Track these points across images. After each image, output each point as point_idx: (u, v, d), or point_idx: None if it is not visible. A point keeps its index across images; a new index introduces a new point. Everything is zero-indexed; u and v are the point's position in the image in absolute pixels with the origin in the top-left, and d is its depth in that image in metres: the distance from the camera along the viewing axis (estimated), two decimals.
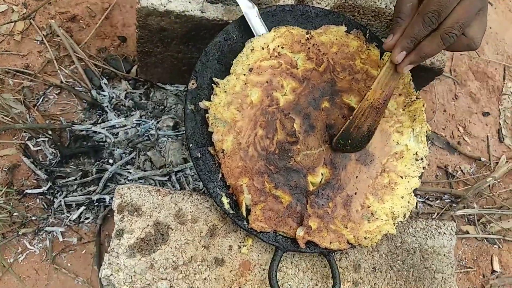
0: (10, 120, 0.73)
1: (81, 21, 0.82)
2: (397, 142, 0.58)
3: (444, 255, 0.61)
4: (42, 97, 0.76)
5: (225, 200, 0.51)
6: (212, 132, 0.51)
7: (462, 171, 0.93)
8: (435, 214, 0.87)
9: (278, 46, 0.53)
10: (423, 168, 0.59)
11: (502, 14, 1.08)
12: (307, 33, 0.55)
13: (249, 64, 0.51)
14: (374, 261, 0.58)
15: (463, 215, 0.89)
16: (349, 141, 0.54)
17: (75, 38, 0.81)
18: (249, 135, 0.51)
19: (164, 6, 0.56)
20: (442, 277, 0.61)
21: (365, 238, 0.54)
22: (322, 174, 0.54)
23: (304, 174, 0.53)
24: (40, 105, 0.76)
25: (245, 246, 0.54)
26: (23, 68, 0.77)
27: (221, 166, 0.51)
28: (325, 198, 0.53)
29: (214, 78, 0.52)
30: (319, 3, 0.64)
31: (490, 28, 1.06)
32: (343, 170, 0.55)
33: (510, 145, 0.98)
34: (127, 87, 0.78)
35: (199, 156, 0.51)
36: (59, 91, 0.77)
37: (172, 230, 0.52)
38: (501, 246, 0.89)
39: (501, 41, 1.06)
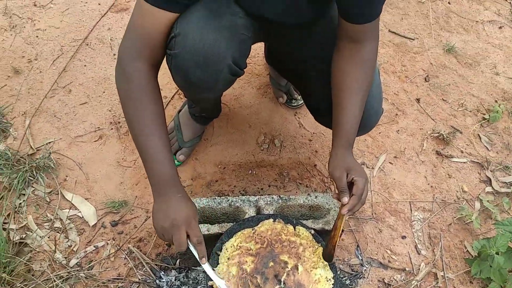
0: None
1: (144, 240, 1.44)
2: (315, 274, 1.09)
3: None
4: None
5: None
6: None
7: (395, 280, 1.39)
8: None
9: (239, 243, 1.10)
10: (332, 284, 1.09)
11: (401, 167, 1.66)
12: (252, 230, 1.13)
13: (227, 256, 1.08)
14: None
15: None
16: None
17: (143, 250, 1.41)
18: None
19: None
20: None
21: None
22: None
23: None
24: None
25: None
26: (117, 276, 1.36)
27: None
28: None
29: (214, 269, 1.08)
30: (267, 209, 1.24)
31: (394, 179, 1.63)
32: None
33: (425, 255, 1.45)
34: (176, 273, 1.35)
35: None
36: (138, 285, 1.34)
37: None
38: None
39: (403, 186, 1.61)
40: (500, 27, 2.20)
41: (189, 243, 0.99)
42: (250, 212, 1.24)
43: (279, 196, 1.27)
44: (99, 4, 1.95)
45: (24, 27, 1.83)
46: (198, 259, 1.02)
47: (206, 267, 1.03)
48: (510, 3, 2.30)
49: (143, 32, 1.00)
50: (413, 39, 2.07)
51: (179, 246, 0.99)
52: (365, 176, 1.05)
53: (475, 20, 2.21)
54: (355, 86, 1.09)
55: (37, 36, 1.81)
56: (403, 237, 1.48)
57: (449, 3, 2.26)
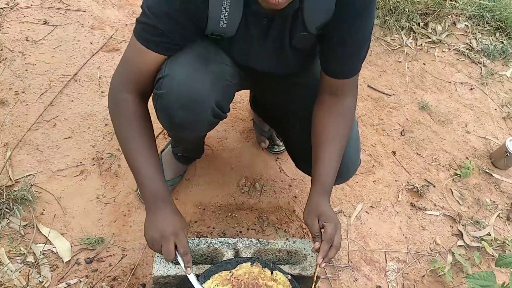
0: None
1: (118, 279, 1.41)
2: None
3: None
4: None
5: None
6: None
7: None
8: None
9: (216, 285, 1.10)
10: None
11: (376, 217, 1.70)
12: (229, 273, 1.13)
13: None
14: None
15: None
16: None
17: None
18: None
19: (166, 273, 1.16)
20: None
21: None
22: None
23: None
24: None
25: None
26: None
27: None
28: None
29: None
30: (245, 253, 1.25)
31: (370, 228, 1.67)
32: None
33: None
34: None
35: None
36: None
37: None
38: None
39: (379, 235, 1.65)
40: (471, 89, 2.34)
41: (176, 253, 1.05)
42: (228, 254, 1.24)
43: (258, 240, 1.28)
44: (91, 43, 2.00)
45: (15, 60, 1.86)
46: (183, 268, 1.06)
47: (191, 277, 1.06)
48: (481, 67, 2.47)
49: (134, 67, 1.07)
50: (390, 95, 2.18)
51: (167, 255, 1.03)
52: (335, 222, 1.07)
53: (448, 81, 2.35)
54: (333, 136, 1.14)
55: (26, 70, 1.84)
56: (378, 287, 1.49)
57: (424, 64, 2.40)
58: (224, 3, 0.99)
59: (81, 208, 1.49)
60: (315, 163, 1.15)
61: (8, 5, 2.04)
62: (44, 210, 1.46)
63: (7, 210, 1.41)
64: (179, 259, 1.06)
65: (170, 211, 1.08)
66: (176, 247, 1.05)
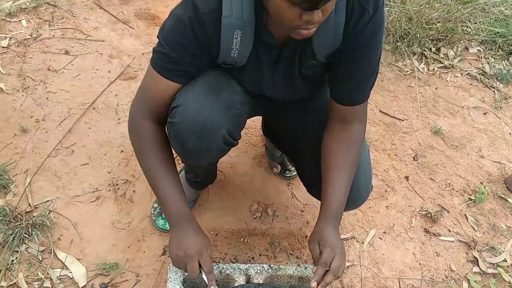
0: None
1: None
2: None
3: None
4: None
5: None
6: None
7: None
8: None
9: None
10: None
11: (390, 243, 1.69)
12: None
13: None
14: None
15: None
16: None
17: None
18: None
19: None
20: None
21: None
22: None
23: None
24: None
25: None
26: None
27: None
28: None
29: None
30: (257, 278, 1.26)
31: (383, 254, 1.66)
32: None
33: None
34: None
35: None
36: None
37: None
38: None
39: (392, 262, 1.63)
40: (484, 113, 2.34)
41: (201, 271, 1.09)
42: (240, 280, 1.25)
43: (269, 266, 1.29)
44: (109, 71, 2.08)
45: (36, 89, 1.93)
46: (207, 285, 1.10)
47: None
48: (494, 92, 2.46)
49: (150, 94, 1.13)
50: (403, 120, 2.19)
51: (192, 273, 1.08)
52: (333, 247, 1.08)
53: (461, 106, 2.35)
54: (342, 163, 1.16)
55: (47, 98, 1.91)
56: None
57: (436, 88, 2.41)
58: (235, 34, 1.03)
59: (96, 234, 1.52)
60: (324, 190, 1.17)
61: (31, 36, 2.14)
62: (61, 235, 1.50)
63: (26, 235, 1.45)
64: (204, 277, 1.10)
65: (193, 229, 1.13)
66: (200, 265, 1.09)
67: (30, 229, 1.46)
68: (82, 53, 2.12)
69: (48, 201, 1.58)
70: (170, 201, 1.11)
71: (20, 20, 2.18)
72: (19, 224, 1.45)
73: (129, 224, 1.57)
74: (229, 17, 1.00)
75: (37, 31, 2.16)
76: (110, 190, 1.65)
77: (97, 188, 1.65)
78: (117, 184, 1.67)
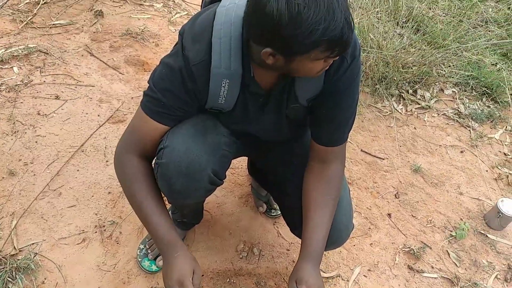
0: None
1: None
2: None
3: None
4: None
5: None
6: None
7: None
8: None
9: None
10: None
11: (375, 280, 1.71)
12: None
13: None
14: None
15: None
16: None
17: None
18: None
19: None
20: None
21: None
22: None
23: None
24: None
25: None
26: None
27: None
28: None
29: None
30: None
31: None
32: None
33: None
34: None
35: None
36: None
37: None
38: None
39: None
40: (461, 151, 2.43)
41: None
42: None
43: None
44: (99, 115, 2.13)
45: (25, 132, 1.97)
46: None
47: None
48: (470, 131, 2.57)
49: (139, 134, 1.18)
50: (383, 159, 2.27)
51: None
52: (310, 285, 1.12)
53: (439, 144, 2.44)
54: (321, 201, 1.21)
55: (36, 142, 1.94)
56: None
57: (415, 128, 2.51)
58: (223, 83, 1.11)
59: (81, 277, 1.52)
60: (304, 228, 1.21)
61: (22, 82, 2.20)
62: (45, 278, 1.49)
63: (9, 279, 1.44)
64: None
65: (176, 257, 1.10)
66: None
67: (14, 272, 1.45)
68: (72, 98, 2.18)
69: (33, 243, 1.58)
70: (150, 227, 1.13)
71: (12, 67, 2.25)
72: (3, 268, 1.45)
73: (114, 266, 1.57)
74: (218, 67, 1.07)
75: (28, 77, 2.23)
76: (96, 232, 1.66)
77: (83, 230, 1.66)
78: (103, 226, 1.68)
